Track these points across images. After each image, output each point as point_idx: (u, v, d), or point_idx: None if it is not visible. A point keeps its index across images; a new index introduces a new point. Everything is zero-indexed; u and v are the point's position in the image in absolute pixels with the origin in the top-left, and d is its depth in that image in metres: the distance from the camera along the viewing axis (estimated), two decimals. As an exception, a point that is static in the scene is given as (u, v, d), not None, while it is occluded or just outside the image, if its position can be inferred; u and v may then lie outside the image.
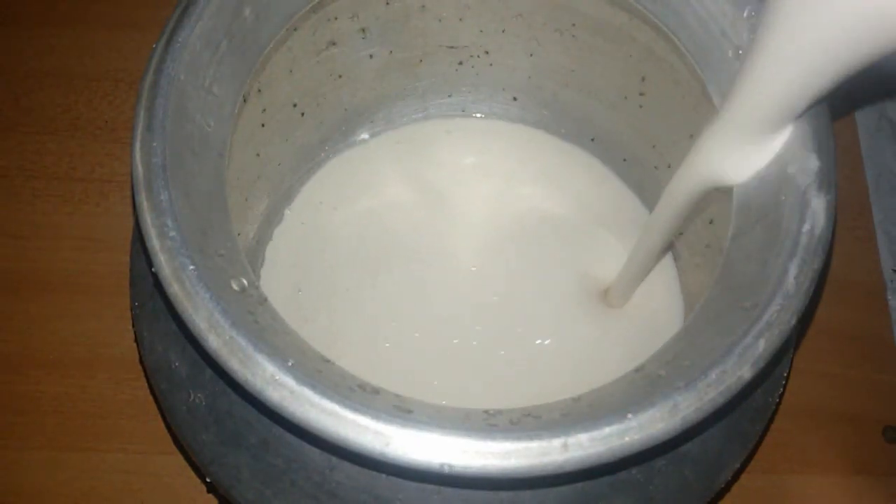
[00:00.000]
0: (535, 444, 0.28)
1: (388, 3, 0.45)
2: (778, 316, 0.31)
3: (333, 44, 0.45)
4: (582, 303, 0.48)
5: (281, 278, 0.47)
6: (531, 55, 0.48)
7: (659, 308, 0.48)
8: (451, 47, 0.49)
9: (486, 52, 0.49)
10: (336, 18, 0.43)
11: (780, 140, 0.35)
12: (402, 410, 0.29)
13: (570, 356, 0.46)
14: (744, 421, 0.37)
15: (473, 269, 0.49)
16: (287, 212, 0.49)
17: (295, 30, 0.41)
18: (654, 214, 0.41)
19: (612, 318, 0.48)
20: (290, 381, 0.29)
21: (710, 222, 0.43)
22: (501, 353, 0.46)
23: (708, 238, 0.44)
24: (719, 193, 0.37)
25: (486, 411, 0.30)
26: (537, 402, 0.31)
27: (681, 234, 0.47)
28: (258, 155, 0.46)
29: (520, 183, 0.51)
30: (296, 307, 0.46)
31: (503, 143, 0.53)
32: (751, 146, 0.35)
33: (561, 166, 0.52)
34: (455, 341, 0.47)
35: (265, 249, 0.48)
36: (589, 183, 0.52)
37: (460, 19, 0.47)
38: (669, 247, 0.48)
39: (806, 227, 0.33)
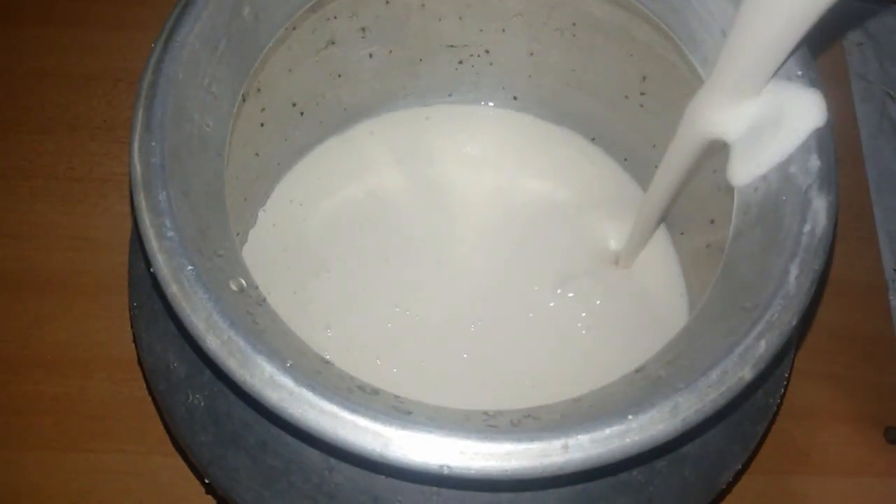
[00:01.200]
0: (535, 446, 0.28)
1: (387, 2, 0.44)
2: (779, 316, 0.31)
3: (333, 43, 0.45)
4: (582, 274, 0.48)
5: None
6: (531, 54, 0.48)
7: (663, 301, 0.48)
8: (451, 46, 0.48)
9: (487, 52, 0.49)
10: (335, 17, 0.43)
11: (765, 91, 0.36)
12: (401, 411, 0.29)
13: (567, 347, 0.46)
14: (745, 422, 0.37)
15: (460, 259, 0.48)
16: (261, 213, 0.48)
17: (294, 29, 0.41)
18: (656, 178, 0.42)
19: (613, 304, 0.47)
20: (288, 382, 0.29)
21: (711, 222, 0.43)
22: (497, 347, 0.46)
23: (708, 238, 0.43)
24: (714, 157, 0.38)
25: (485, 412, 0.30)
26: (536, 396, 0.31)
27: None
28: (257, 154, 0.46)
29: (509, 168, 0.51)
30: None
31: (479, 127, 0.52)
32: (739, 98, 0.36)
33: (555, 150, 0.52)
34: (442, 334, 0.46)
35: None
36: (583, 163, 0.51)
37: (460, 18, 0.46)
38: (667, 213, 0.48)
39: (807, 228, 0.33)
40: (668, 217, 0.49)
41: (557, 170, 0.51)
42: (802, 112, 0.35)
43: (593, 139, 0.51)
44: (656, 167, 0.48)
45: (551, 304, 0.47)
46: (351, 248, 0.48)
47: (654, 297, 0.48)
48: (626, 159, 0.50)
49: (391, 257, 0.48)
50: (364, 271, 0.47)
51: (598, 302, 0.47)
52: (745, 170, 0.36)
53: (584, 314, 0.47)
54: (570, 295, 0.47)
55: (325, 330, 0.45)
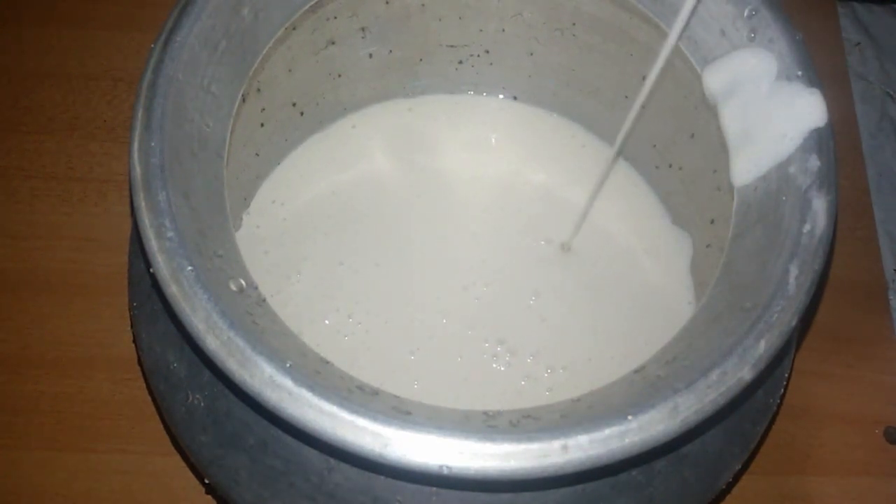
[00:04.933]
0: (535, 446, 0.28)
1: (387, 2, 0.44)
2: (779, 317, 0.31)
3: (333, 43, 0.45)
4: (584, 267, 0.47)
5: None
6: (531, 54, 0.48)
7: (671, 295, 0.47)
8: (451, 46, 0.48)
9: (487, 52, 0.49)
10: (335, 17, 0.43)
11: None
12: (400, 412, 0.29)
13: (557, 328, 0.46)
14: (745, 422, 0.37)
15: (446, 259, 0.47)
16: (245, 216, 0.48)
17: (294, 29, 0.41)
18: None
19: (617, 298, 0.47)
20: (288, 383, 0.29)
21: (711, 222, 0.43)
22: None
23: (709, 238, 0.43)
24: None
25: (485, 412, 0.30)
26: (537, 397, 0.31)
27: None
28: (257, 154, 0.46)
29: (496, 158, 0.51)
30: None
31: (463, 117, 0.52)
32: None
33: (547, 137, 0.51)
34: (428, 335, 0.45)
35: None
36: (575, 147, 0.51)
37: (460, 18, 0.46)
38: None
39: (807, 228, 0.33)
40: (673, 214, 0.49)
41: (553, 158, 0.51)
42: (802, 112, 0.35)
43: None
44: (656, 167, 0.48)
45: (553, 307, 0.47)
46: (323, 249, 0.47)
47: (661, 291, 0.47)
48: (626, 159, 0.51)
49: (364, 257, 0.47)
50: (333, 274, 0.47)
51: (603, 297, 0.47)
52: (745, 170, 0.36)
53: (587, 310, 0.47)
54: (573, 291, 0.47)
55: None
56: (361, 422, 0.28)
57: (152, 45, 0.35)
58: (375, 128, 0.51)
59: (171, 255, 0.30)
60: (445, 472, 0.28)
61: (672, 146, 0.46)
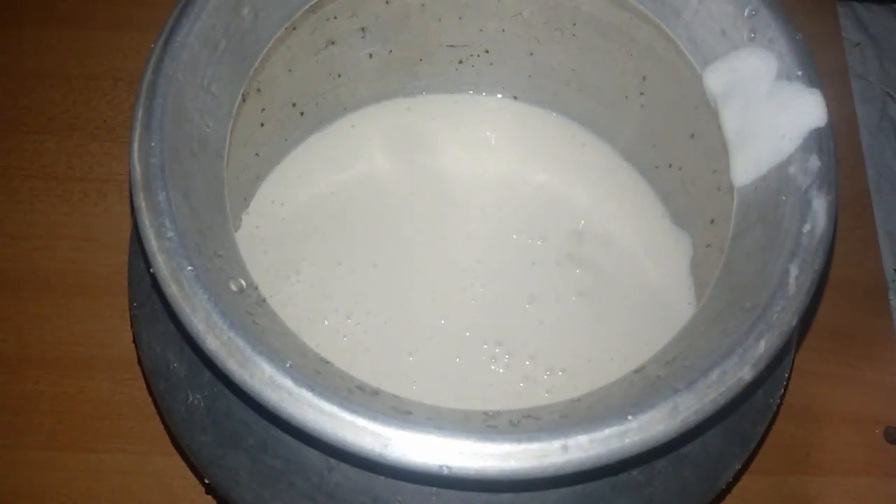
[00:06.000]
0: (534, 446, 0.28)
1: (387, 2, 0.44)
2: (779, 316, 0.31)
3: (333, 43, 0.45)
4: (585, 268, 0.47)
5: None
6: (531, 54, 0.48)
7: (671, 295, 0.47)
8: (451, 46, 0.48)
9: (487, 51, 0.49)
10: (335, 18, 0.43)
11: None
12: (400, 412, 0.29)
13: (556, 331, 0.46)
14: (745, 422, 0.37)
15: (446, 261, 0.47)
16: (244, 216, 0.47)
17: (294, 29, 0.41)
18: None
19: (617, 299, 0.47)
20: (288, 383, 0.29)
21: (711, 222, 0.43)
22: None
23: (709, 238, 0.43)
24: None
25: (485, 412, 0.30)
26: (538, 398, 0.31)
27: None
28: (257, 154, 0.46)
29: (495, 158, 0.51)
30: None
31: (461, 117, 0.52)
32: None
33: (543, 134, 0.51)
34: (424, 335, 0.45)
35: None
36: (575, 146, 0.51)
37: (460, 18, 0.46)
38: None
39: (807, 228, 0.33)
40: (673, 214, 0.49)
41: (552, 158, 0.51)
42: (802, 112, 0.35)
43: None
44: (656, 167, 0.48)
45: (552, 308, 0.46)
46: (322, 249, 0.47)
47: (661, 291, 0.47)
48: (625, 159, 0.51)
49: (363, 258, 0.47)
50: (332, 274, 0.47)
51: (602, 297, 0.47)
52: (745, 170, 0.37)
53: (587, 310, 0.47)
54: (572, 291, 0.47)
55: None
56: (361, 422, 0.28)
57: (152, 45, 0.35)
58: (375, 127, 0.51)
59: (171, 255, 0.30)
60: (445, 472, 0.28)
61: (672, 146, 0.46)
